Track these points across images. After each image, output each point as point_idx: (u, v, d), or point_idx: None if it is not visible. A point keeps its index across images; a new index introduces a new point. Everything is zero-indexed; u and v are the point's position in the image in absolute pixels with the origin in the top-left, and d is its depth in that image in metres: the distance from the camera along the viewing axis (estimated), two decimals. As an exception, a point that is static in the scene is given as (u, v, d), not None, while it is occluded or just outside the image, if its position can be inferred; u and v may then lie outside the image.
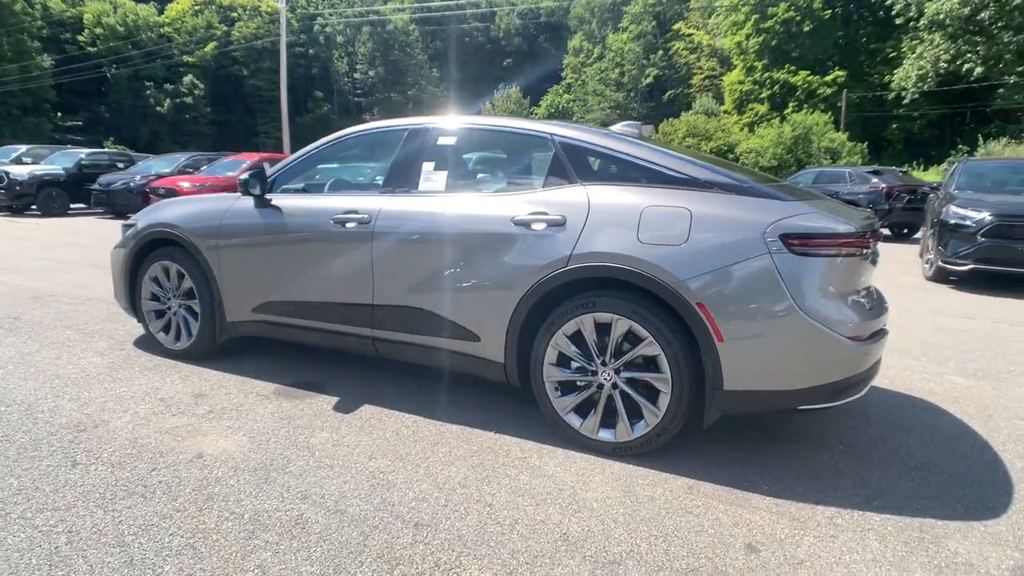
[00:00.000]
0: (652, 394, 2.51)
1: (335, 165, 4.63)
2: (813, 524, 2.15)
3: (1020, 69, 28.04)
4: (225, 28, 56.12)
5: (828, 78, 38.87)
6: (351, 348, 3.27)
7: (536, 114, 41.99)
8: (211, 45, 54.04)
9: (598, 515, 2.16)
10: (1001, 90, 30.29)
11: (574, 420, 2.66)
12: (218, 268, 3.49)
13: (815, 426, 2.99)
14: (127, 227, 3.99)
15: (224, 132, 53.98)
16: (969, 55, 29.13)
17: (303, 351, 3.89)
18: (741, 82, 44.72)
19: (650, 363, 2.50)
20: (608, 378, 2.58)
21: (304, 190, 3.56)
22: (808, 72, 39.59)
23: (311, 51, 62.49)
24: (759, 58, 42.68)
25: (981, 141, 27.23)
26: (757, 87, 43.25)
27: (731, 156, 30.50)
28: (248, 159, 14.31)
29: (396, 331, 3.03)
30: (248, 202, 3.46)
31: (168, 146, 43.36)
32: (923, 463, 2.64)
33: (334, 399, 3.17)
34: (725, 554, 1.96)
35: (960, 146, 32.28)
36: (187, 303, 3.71)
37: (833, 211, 2.48)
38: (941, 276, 7.23)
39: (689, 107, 64.80)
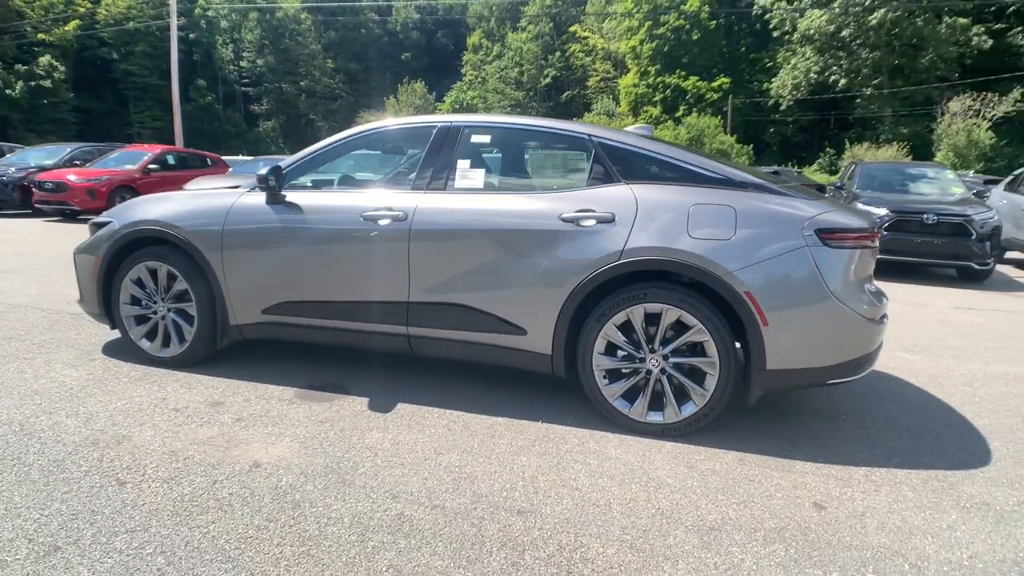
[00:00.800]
0: (699, 377, 2.72)
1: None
2: (855, 482, 2.45)
3: (876, 82, 31.70)
4: (90, 5, 50.76)
5: (715, 84, 41.83)
6: (378, 347, 3.22)
7: (440, 110, 41.74)
8: (72, 24, 48.64)
9: (677, 489, 2.33)
10: (859, 100, 34.04)
11: (622, 405, 2.81)
12: (222, 269, 3.30)
13: (811, 401, 3.34)
14: (96, 227, 3.65)
15: (91, 120, 48.79)
16: (834, 68, 32.50)
17: (300, 353, 3.75)
18: (636, 85, 47.03)
19: (697, 348, 2.70)
20: (656, 364, 2.75)
21: (313, 186, 3.44)
22: (697, 78, 42.37)
23: (192, 35, 57.98)
24: (652, 63, 45.09)
25: (848, 145, 30.47)
26: (651, 90, 45.68)
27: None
28: (150, 151, 13.18)
29: (434, 327, 3.03)
30: (255, 198, 3.30)
31: (22, 135, 38.56)
32: (911, 426, 3.05)
33: (363, 399, 3.11)
34: (799, 513, 2.20)
35: (828, 149, 35.98)
36: (178, 306, 3.47)
37: (848, 209, 2.81)
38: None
39: (587, 108, 66.99)
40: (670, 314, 2.69)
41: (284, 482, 2.30)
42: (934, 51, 29.26)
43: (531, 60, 72.81)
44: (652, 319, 2.73)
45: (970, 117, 24.63)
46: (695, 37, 42.92)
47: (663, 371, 2.75)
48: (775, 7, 34.98)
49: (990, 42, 28.56)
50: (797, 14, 33.50)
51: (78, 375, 3.33)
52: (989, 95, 24.90)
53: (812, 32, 32.39)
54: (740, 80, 43.02)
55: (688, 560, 1.90)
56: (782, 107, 36.44)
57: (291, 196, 3.23)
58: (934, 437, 2.93)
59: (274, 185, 3.15)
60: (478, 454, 2.57)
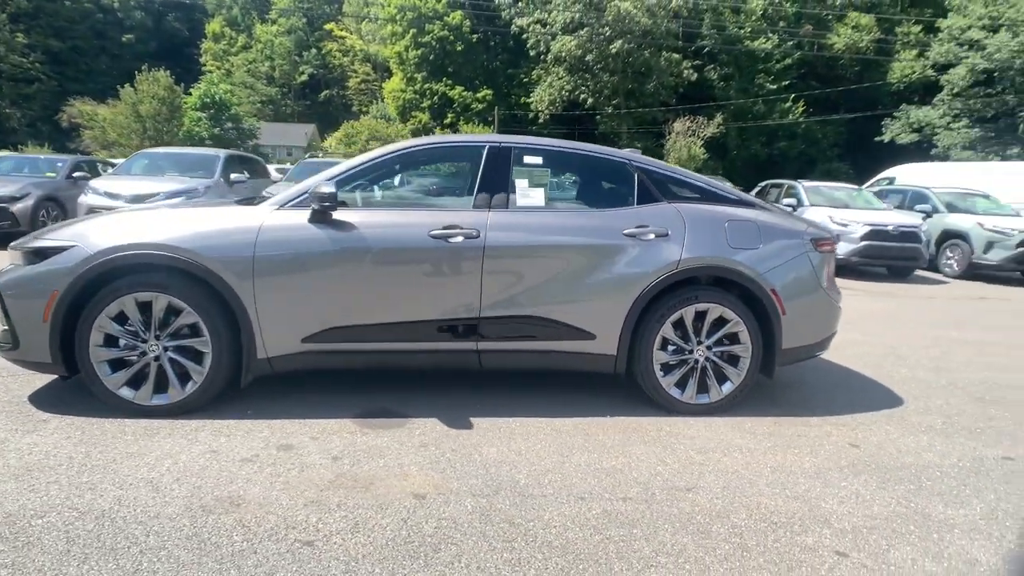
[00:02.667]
0: (734, 361, 3.34)
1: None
2: (855, 425, 3.30)
3: (615, 102, 37.01)
4: None
5: (479, 95, 44.40)
6: (443, 364, 3.20)
7: (187, 103, 36.91)
8: None
9: (758, 451, 2.91)
10: (600, 117, 39.33)
11: (676, 393, 3.30)
12: (252, 297, 2.93)
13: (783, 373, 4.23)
14: (37, 254, 2.91)
15: None
16: (583, 88, 37.10)
17: (301, 385, 3.44)
18: (403, 90, 47.54)
19: (733, 338, 3.32)
20: (702, 354, 3.30)
21: (343, 204, 3.22)
22: (463, 88, 44.50)
23: None
24: (419, 70, 46.04)
25: None
26: (419, 97, 46.61)
27: (412, 160, 32.48)
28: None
29: (506, 340, 3.15)
30: (290, 217, 3.01)
31: None
32: (856, 386, 4.08)
33: (431, 420, 3.07)
34: (846, 452, 2.94)
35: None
36: (178, 344, 2.97)
37: (816, 222, 3.70)
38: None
39: (348, 109, 65.21)
40: (714, 311, 3.26)
41: (471, 505, 2.30)
42: (657, 79, 35.36)
43: (284, 55, 68.56)
44: (700, 316, 3.26)
45: (689, 136, 30.47)
46: (459, 48, 45.01)
47: (708, 359, 3.31)
48: (531, 28, 38.53)
49: (696, 75, 35.54)
50: (550, 37, 37.42)
51: (62, 442, 2.66)
52: (700, 118, 31.10)
53: (563, 55, 36.52)
54: (501, 93, 46.35)
55: (832, 492, 2.48)
56: (540, 120, 40.37)
57: (337, 214, 3.03)
58: (873, 391, 3.99)
59: (330, 205, 2.92)
60: (603, 451, 2.82)
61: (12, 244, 3.17)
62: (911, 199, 10.96)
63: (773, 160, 38.19)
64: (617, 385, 3.61)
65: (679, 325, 3.26)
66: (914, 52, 34.35)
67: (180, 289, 2.92)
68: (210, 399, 3.04)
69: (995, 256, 9.51)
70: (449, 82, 45.48)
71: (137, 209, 3.38)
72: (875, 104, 35.43)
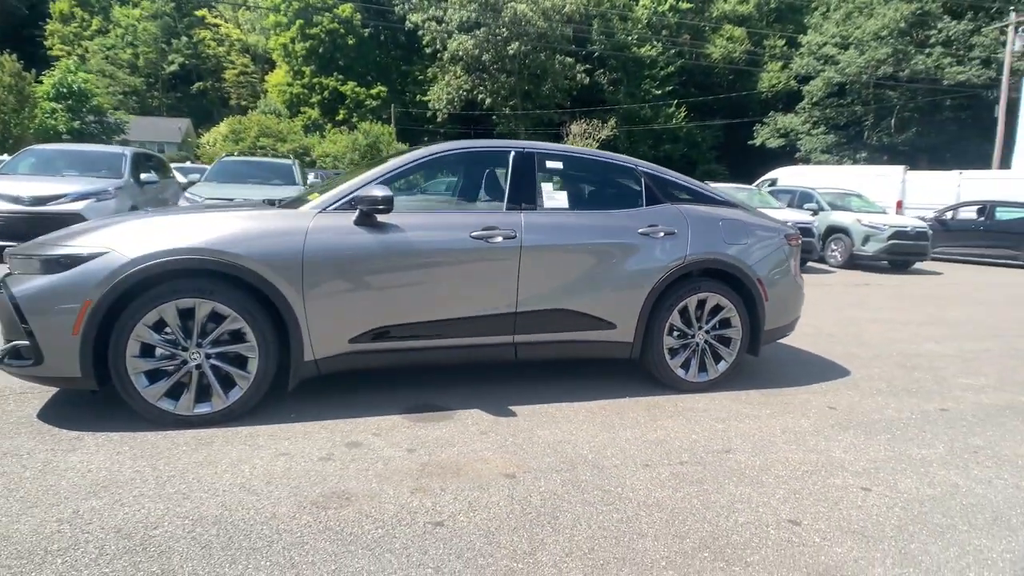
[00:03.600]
0: (727, 342, 3.81)
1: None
2: (824, 392, 3.88)
3: (512, 103, 37.82)
4: None
5: (373, 91, 43.52)
6: (485, 358, 3.39)
7: (37, 92, 32.86)
8: None
9: (763, 416, 3.38)
10: (495, 118, 40.03)
11: (682, 373, 3.72)
12: (302, 300, 2.96)
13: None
14: (60, 262, 2.76)
15: None
16: (480, 88, 37.58)
17: (330, 387, 3.48)
18: (290, 84, 45.52)
19: (725, 323, 3.79)
20: (702, 337, 3.74)
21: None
22: (356, 83, 43.39)
23: None
24: (307, 63, 44.28)
25: None
26: (307, 91, 44.85)
27: (308, 159, 31.27)
28: None
29: (539, 332, 3.40)
30: (336, 219, 3.07)
31: None
32: (808, 361, 4.71)
33: (476, 411, 3.24)
34: (828, 413, 3.49)
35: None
36: (220, 351, 2.94)
37: (785, 220, 4.27)
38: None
39: (226, 103, 61.17)
40: (711, 300, 3.70)
41: (559, 479, 2.54)
42: (552, 82, 36.66)
43: (149, 42, 62.91)
44: (700, 305, 3.70)
45: (586, 138, 31.94)
46: (351, 42, 43.83)
47: (706, 342, 3.75)
48: (426, 25, 38.39)
49: (588, 79, 37.23)
50: (446, 35, 37.50)
51: (115, 457, 2.57)
52: (595, 121, 32.70)
53: (460, 54, 36.78)
54: (395, 90, 45.72)
55: (835, 444, 2.98)
56: (439, 119, 40.34)
57: (381, 216, 3.12)
58: (822, 364, 4.64)
59: (385, 208, 3.00)
60: (635, 426, 3.16)
61: (11, 251, 2.96)
62: (799, 198, 12.39)
63: (659, 161, 40.70)
64: (612, 371, 3.97)
65: (683, 313, 3.68)
66: (779, 64, 38.18)
67: (224, 294, 2.88)
68: (254, 405, 3.02)
69: (871, 248, 11.06)
70: (340, 77, 44.19)
71: (164, 212, 3.25)
72: (747, 110, 39.01)
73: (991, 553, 2.17)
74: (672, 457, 2.81)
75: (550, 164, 3.61)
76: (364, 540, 2.05)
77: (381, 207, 3.01)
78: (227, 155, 16.48)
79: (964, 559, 2.12)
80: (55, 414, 2.99)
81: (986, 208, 13.20)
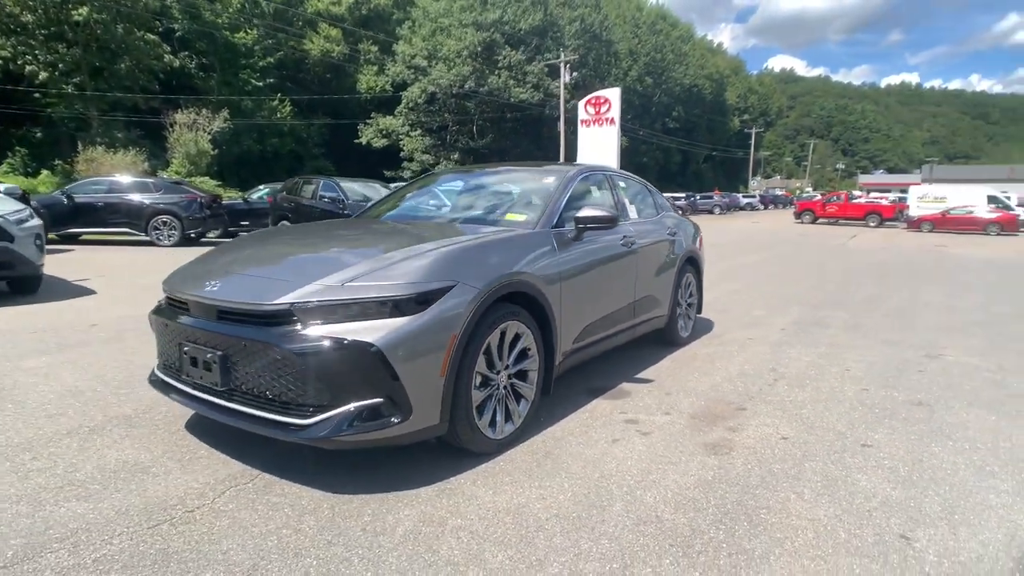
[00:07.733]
0: (693, 305, 5.48)
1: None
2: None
3: (77, 80, 30.37)
4: None
5: None
6: (620, 342, 4.14)
7: None
8: None
9: (777, 341, 5.21)
10: (48, 97, 31.51)
11: (684, 332, 5.22)
12: (560, 309, 3.28)
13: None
14: (418, 301, 2.52)
15: None
16: (27, 56, 28.97)
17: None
18: None
19: (694, 291, 5.44)
20: (690, 303, 5.32)
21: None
22: None
23: None
24: None
25: (81, 147, 28.05)
26: None
27: None
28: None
29: (639, 316, 4.36)
30: (562, 235, 3.44)
31: None
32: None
33: (642, 386, 4.02)
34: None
35: (19, 149, 32.07)
36: (516, 368, 3.06)
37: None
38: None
39: None
40: (690, 277, 5.30)
41: (832, 435, 3.75)
42: (135, 61, 30.79)
43: None
44: (688, 283, 5.25)
45: (198, 130, 28.31)
46: None
47: (689, 306, 5.33)
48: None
49: (177, 62, 32.67)
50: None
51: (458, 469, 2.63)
52: (205, 112, 29.25)
53: (-9, 8, 27.37)
54: None
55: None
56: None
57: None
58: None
59: (609, 226, 3.53)
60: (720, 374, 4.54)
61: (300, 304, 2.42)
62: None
63: (266, 157, 39.20)
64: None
65: (686, 285, 5.17)
66: (375, 68, 41.21)
67: (522, 314, 3.02)
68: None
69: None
70: None
71: (444, 242, 2.88)
72: (350, 110, 40.93)
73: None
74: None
75: (620, 182, 4.57)
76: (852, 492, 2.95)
77: (605, 224, 3.55)
78: None
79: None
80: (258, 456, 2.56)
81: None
